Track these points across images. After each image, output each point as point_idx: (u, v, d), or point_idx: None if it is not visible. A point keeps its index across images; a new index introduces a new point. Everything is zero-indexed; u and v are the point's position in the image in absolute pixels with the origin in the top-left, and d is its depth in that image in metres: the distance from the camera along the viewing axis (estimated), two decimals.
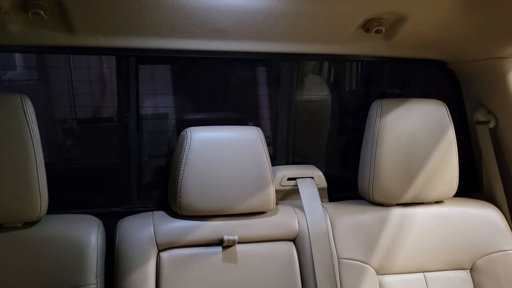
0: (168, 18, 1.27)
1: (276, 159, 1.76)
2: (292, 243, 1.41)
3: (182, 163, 1.35)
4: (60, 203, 1.48)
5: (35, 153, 1.21)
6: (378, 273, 1.42)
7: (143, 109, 1.65)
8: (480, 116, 1.63)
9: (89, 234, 1.27)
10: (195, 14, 1.25)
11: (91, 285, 1.23)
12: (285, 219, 1.43)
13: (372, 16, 1.32)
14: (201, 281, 1.30)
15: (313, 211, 1.46)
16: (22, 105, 1.21)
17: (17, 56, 1.63)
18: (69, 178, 1.65)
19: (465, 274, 1.46)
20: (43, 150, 1.24)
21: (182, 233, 1.33)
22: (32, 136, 1.21)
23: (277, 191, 1.50)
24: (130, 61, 1.52)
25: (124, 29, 1.32)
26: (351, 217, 1.45)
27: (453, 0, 1.24)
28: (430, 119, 1.50)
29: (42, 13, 1.19)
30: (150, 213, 1.42)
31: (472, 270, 1.47)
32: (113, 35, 1.35)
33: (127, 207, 1.58)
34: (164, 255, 1.31)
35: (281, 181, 1.59)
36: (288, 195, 1.61)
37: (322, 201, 1.52)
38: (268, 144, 1.68)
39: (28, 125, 1.20)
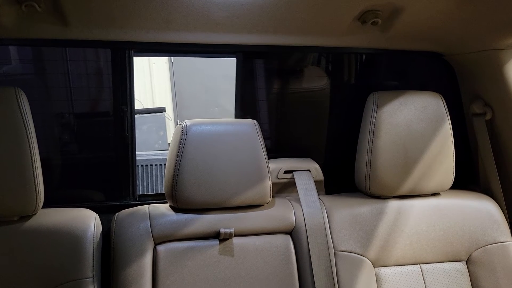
0: (162, 10, 1.26)
1: (272, 152, 1.76)
2: (288, 236, 1.41)
3: (179, 156, 1.34)
4: (56, 197, 1.47)
5: (30, 147, 1.20)
6: (375, 265, 1.42)
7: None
8: (476, 108, 1.63)
9: (85, 227, 1.27)
10: (190, 5, 1.24)
11: (87, 279, 1.23)
12: (281, 212, 1.43)
13: (369, 7, 1.32)
14: (197, 274, 1.30)
15: (309, 204, 1.46)
16: (16, 98, 1.20)
17: (12, 50, 1.62)
18: (65, 171, 1.65)
19: (461, 266, 1.47)
20: (38, 144, 1.24)
21: (179, 226, 1.33)
22: (27, 129, 1.20)
23: (273, 184, 1.50)
24: (125, 54, 1.51)
25: (119, 21, 1.31)
26: (348, 210, 1.46)
27: None
28: (427, 111, 1.49)
29: (36, 5, 1.18)
30: (146, 206, 1.42)
31: (468, 261, 1.47)
32: (107, 27, 1.34)
33: (123, 201, 1.58)
34: (161, 248, 1.31)
35: (277, 174, 1.59)
36: (285, 188, 1.61)
37: (318, 194, 1.52)
38: (265, 137, 1.68)
39: (23, 118, 1.20)
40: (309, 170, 1.61)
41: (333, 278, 1.36)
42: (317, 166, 1.63)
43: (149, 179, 2.58)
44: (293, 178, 1.58)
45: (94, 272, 1.24)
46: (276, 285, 1.34)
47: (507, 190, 1.59)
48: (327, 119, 1.84)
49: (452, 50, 1.63)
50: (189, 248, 1.32)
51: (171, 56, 4.53)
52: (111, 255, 1.30)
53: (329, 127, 1.84)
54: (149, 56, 3.62)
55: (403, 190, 1.49)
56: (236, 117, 1.71)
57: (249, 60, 1.77)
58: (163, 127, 3.55)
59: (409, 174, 1.47)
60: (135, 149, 1.59)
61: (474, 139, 1.69)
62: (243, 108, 1.75)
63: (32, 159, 1.21)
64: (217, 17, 1.32)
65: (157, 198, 1.61)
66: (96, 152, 1.68)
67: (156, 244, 1.31)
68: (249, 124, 1.43)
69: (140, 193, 1.77)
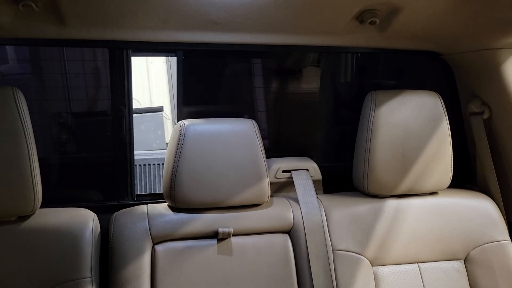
0: (160, 9, 1.26)
1: (271, 151, 1.76)
2: (287, 235, 1.41)
3: (177, 156, 1.34)
4: (54, 197, 1.47)
5: (28, 147, 1.20)
6: (373, 264, 1.42)
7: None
8: (474, 107, 1.64)
9: (83, 227, 1.27)
10: (188, 5, 1.24)
11: (86, 279, 1.22)
12: (280, 211, 1.43)
13: (367, 7, 1.32)
14: (196, 273, 1.30)
15: (308, 203, 1.46)
16: (14, 98, 1.20)
17: (9, 49, 1.62)
18: (63, 171, 1.65)
19: (459, 265, 1.47)
20: (36, 144, 1.23)
21: (177, 225, 1.33)
22: (25, 129, 1.20)
23: (271, 184, 1.50)
24: (123, 54, 1.51)
25: (117, 21, 1.31)
26: (346, 209, 1.46)
27: None
28: (425, 111, 1.50)
29: (33, 5, 1.18)
30: (144, 206, 1.42)
31: (466, 260, 1.47)
32: (105, 27, 1.34)
33: (121, 201, 1.58)
34: (159, 248, 1.31)
35: (276, 174, 1.59)
36: (283, 187, 1.61)
37: (317, 193, 1.52)
38: (263, 137, 1.68)
39: (21, 118, 1.20)
40: (307, 170, 1.61)
41: (331, 277, 1.36)
42: (315, 165, 1.63)
43: (147, 179, 2.58)
44: (291, 178, 1.58)
45: (92, 272, 1.24)
46: (275, 284, 1.35)
47: (505, 189, 1.60)
48: (325, 119, 1.85)
49: (450, 50, 1.64)
50: (188, 247, 1.32)
51: (168, 56, 4.52)
52: (110, 255, 1.30)
53: (327, 127, 1.84)
54: (147, 55, 3.61)
55: (401, 189, 1.49)
56: (178, 119, 1.67)
57: (247, 59, 1.78)
58: (161, 126, 3.54)
59: (407, 173, 1.48)
60: (133, 149, 1.59)
61: (471, 138, 1.69)
62: (184, 110, 1.72)
63: (30, 159, 1.20)
64: (215, 17, 1.32)
65: (155, 197, 1.61)
66: (94, 152, 1.68)
67: (154, 244, 1.31)
68: (247, 124, 1.43)
69: (138, 193, 1.76)
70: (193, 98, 1.78)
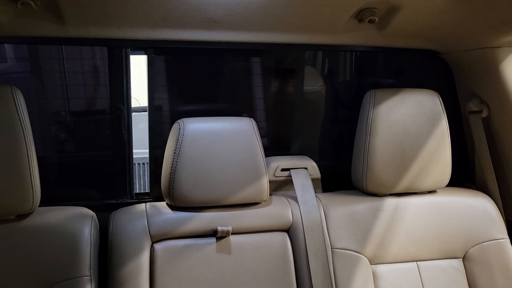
0: (159, 8, 1.26)
1: (270, 150, 1.76)
2: (285, 234, 1.41)
3: (176, 154, 1.34)
4: (53, 196, 1.47)
5: (26, 145, 1.20)
6: (372, 262, 1.43)
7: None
8: (473, 105, 1.64)
9: (82, 226, 1.27)
10: (187, 3, 1.24)
11: (84, 277, 1.22)
12: (278, 209, 1.43)
13: (365, 5, 1.32)
14: (194, 272, 1.30)
15: (306, 202, 1.46)
16: (13, 96, 1.20)
17: (7, 48, 1.61)
18: (62, 170, 1.64)
19: (457, 263, 1.47)
20: (35, 142, 1.23)
21: (176, 224, 1.33)
22: (23, 128, 1.20)
23: (270, 182, 1.50)
24: (122, 52, 1.51)
25: (115, 19, 1.31)
26: (345, 207, 1.46)
27: None
28: (423, 109, 1.50)
29: (32, 3, 1.18)
30: (143, 204, 1.42)
31: (464, 259, 1.48)
32: (104, 25, 1.34)
33: (120, 199, 1.58)
34: (158, 246, 1.31)
35: (274, 172, 1.59)
36: (282, 186, 1.61)
37: (315, 192, 1.52)
38: (262, 135, 1.68)
39: (19, 117, 1.19)
40: (306, 168, 1.61)
41: (330, 276, 1.36)
42: (314, 164, 1.63)
43: (146, 177, 2.57)
44: (290, 176, 1.58)
45: (91, 271, 1.24)
46: (273, 283, 1.35)
47: (503, 188, 1.60)
48: (324, 117, 1.85)
49: (448, 48, 1.64)
50: (187, 246, 1.32)
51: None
52: (108, 253, 1.30)
53: (326, 125, 1.84)
54: (146, 54, 3.60)
55: (400, 188, 1.49)
56: (150, 121, 1.64)
57: (246, 58, 1.78)
58: None
59: (406, 171, 1.48)
60: (132, 147, 1.59)
61: (470, 136, 1.69)
62: (158, 112, 1.70)
63: (28, 158, 1.20)
64: (214, 15, 1.32)
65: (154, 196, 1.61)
66: (93, 151, 1.68)
67: (153, 242, 1.31)
68: (246, 122, 1.43)
69: (137, 191, 1.76)
70: (190, 97, 1.78)
